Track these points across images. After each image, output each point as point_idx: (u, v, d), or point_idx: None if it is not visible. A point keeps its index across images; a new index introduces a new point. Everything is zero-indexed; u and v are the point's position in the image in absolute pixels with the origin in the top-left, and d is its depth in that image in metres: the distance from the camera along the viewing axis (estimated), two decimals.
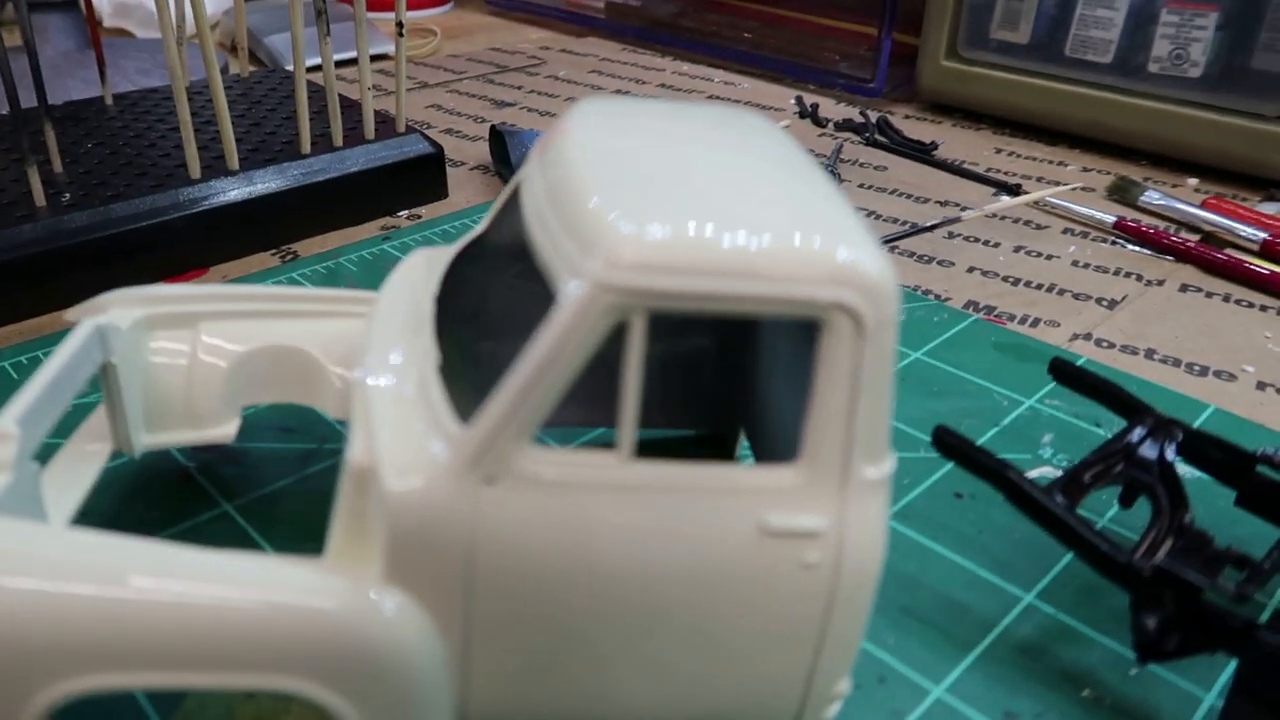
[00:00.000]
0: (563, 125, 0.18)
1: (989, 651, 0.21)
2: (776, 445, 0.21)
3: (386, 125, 0.42)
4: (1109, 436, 0.23)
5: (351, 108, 0.43)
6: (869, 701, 0.20)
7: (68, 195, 0.35)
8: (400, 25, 0.40)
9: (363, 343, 0.19)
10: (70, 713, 0.15)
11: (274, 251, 0.38)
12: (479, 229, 0.21)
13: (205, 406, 0.22)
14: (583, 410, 0.23)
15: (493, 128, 0.46)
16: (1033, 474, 0.26)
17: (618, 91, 0.59)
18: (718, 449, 0.25)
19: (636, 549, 0.15)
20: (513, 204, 0.20)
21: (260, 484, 0.24)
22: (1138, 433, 0.22)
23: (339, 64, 0.56)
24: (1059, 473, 0.26)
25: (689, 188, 0.16)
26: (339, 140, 0.40)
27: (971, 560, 0.23)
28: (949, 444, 0.21)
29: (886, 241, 0.40)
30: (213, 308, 0.23)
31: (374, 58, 0.61)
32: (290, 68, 0.52)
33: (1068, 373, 0.24)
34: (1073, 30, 0.50)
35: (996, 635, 0.21)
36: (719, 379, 0.24)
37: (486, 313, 0.22)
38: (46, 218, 0.33)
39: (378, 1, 0.71)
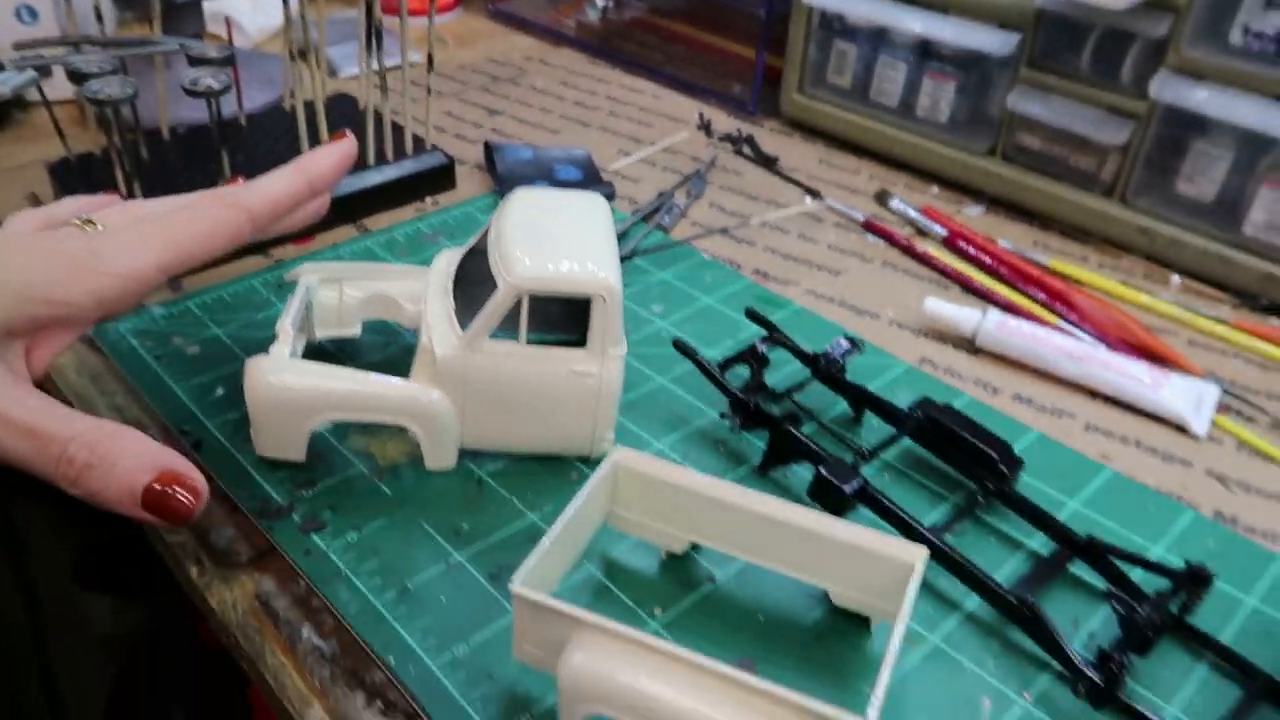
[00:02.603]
0: (507, 202, 0.44)
1: (688, 434, 0.47)
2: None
3: (418, 143, 0.67)
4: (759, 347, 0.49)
5: (398, 130, 0.68)
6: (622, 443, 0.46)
7: None
8: (430, 64, 0.65)
9: (422, 293, 0.45)
10: (320, 438, 0.41)
11: (354, 226, 0.64)
12: (471, 242, 0.46)
13: (346, 320, 0.49)
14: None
15: (486, 143, 0.71)
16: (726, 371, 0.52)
17: (576, 103, 0.83)
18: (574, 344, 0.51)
19: (526, 375, 0.42)
20: (486, 233, 0.46)
21: (372, 354, 0.51)
22: (764, 345, 0.48)
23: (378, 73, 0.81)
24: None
25: (550, 241, 0.41)
26: (390, 156, 0.65)
27: (680, 389, 0.49)
28: (684, 349, 0.48)
29: (722, 231, 0.65)
30: (348, 274, 0.49)
31: (393, 67, 0.85)
32: (346, 74, 0.77)
33: (757, 317, 0.50)
34: (874, 82, 0.74)
35: (691, 429, 0.48)
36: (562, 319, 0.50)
37: (472, 283, 0.48)
38: None
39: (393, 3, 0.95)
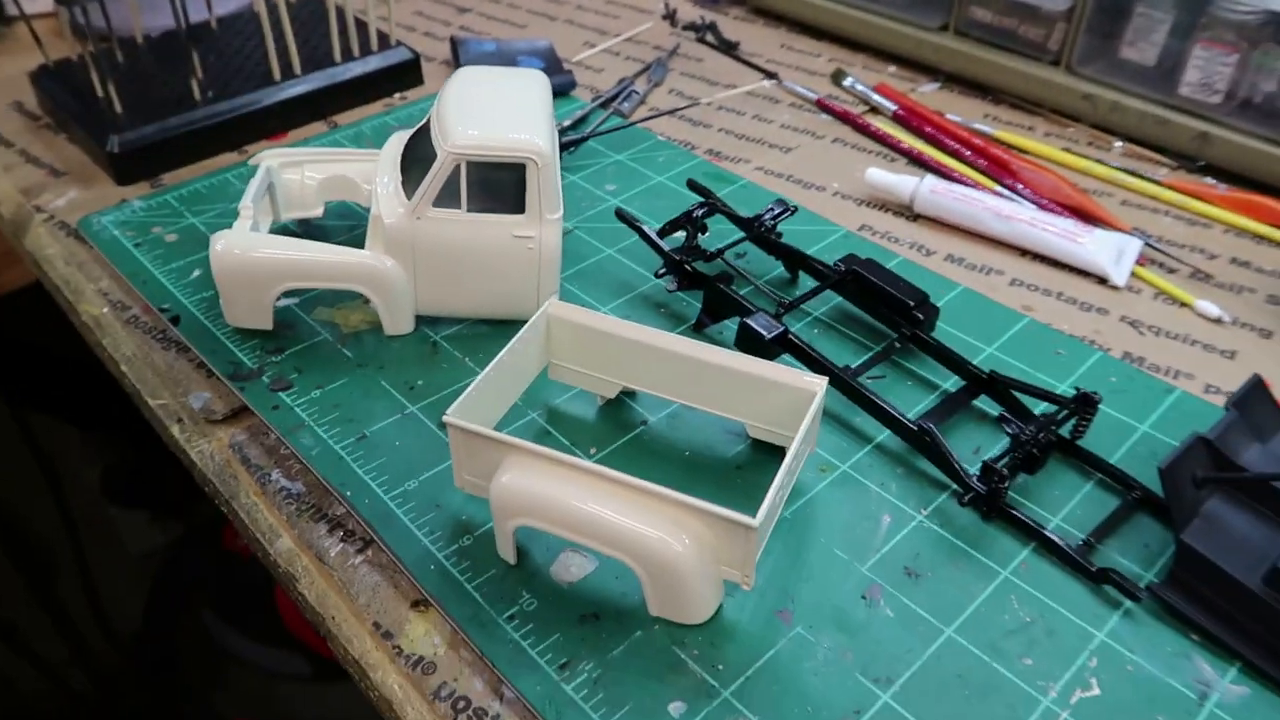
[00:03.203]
0: (450, 80, 0.46)
1: (631, 299, 0.50)
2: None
3: (384, 39, 0.69)
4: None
5: (363, 28, 0.70)
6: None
7: (210, 92, 0.63)
8: None
9: (374, 172, 0.48)
10: (287, 311, 0.45)
11: (324, 122, 0.66)
12: (421, 123, 0.49)
13: (308, 201, 0.52)
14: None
15: (452, 38, 0.73)
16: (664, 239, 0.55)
17: None
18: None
19: (470, 241, 0.45)
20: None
21: (332, 234, 0.54)
22: (700, 210, 0.50)
23: None
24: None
25: (489, 112, 0.44)
26: (356, 52, 0.68)
27: (626, 258, 0.52)
28: (624, 216, 0.50)
29: (674, 112, 0.67)
30: (308, 158, 0.52)
31: None
32: None
33: (697, 186, 0.53)
34: None
35: (635, 294, 0.51)
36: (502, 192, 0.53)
37: (418, 159, 0.51)
38: (205, 105, 0.62)
39: None
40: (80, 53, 0.62)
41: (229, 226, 0.45)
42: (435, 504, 0.39)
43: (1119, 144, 0.64)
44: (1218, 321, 0.50)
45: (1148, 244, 0.54)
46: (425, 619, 0.36)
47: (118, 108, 0.60)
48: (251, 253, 0.44)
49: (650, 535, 0.33)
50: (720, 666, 0.34)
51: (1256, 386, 0.39)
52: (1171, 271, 0.53)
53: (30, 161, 0.62)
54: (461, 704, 0.34)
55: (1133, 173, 0.60)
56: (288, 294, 0.49)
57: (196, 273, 0.51)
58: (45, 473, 1.38)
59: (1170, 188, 0.59)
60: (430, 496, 0.40)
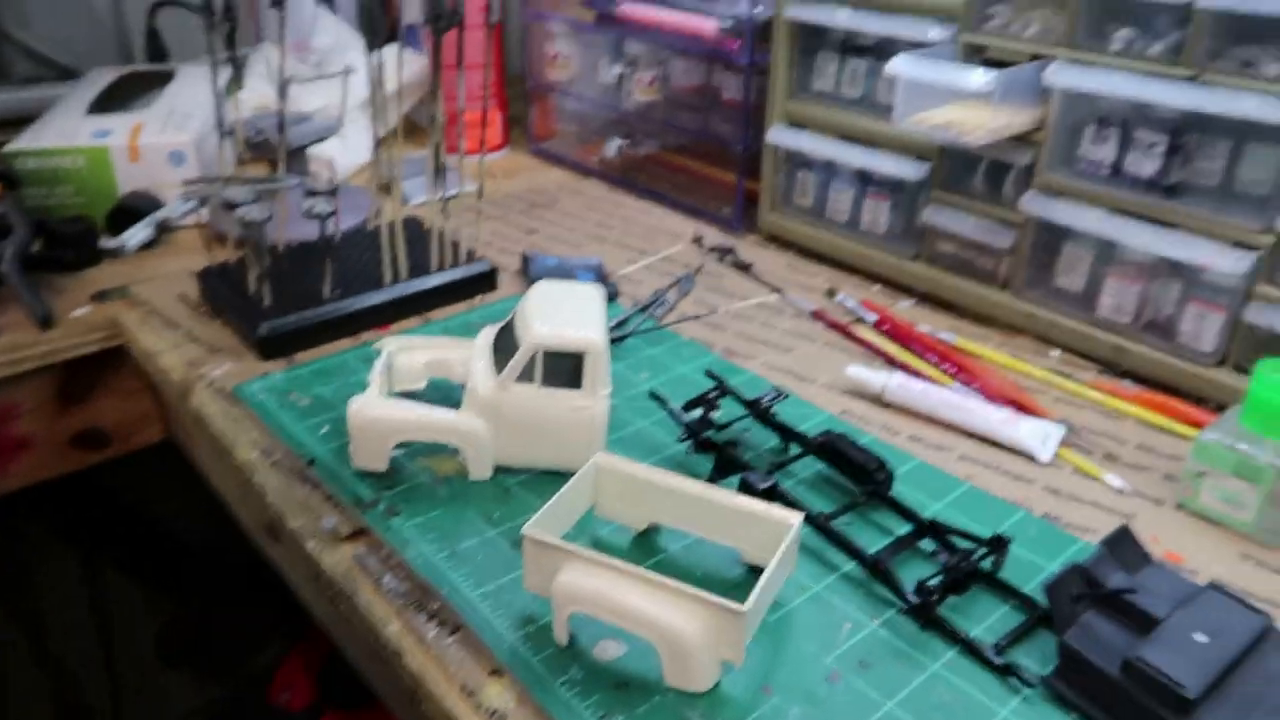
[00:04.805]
0: (531, 290, 0.63)
1: (659, 459, 0.65)
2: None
3: (470, 254, 0.88)
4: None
5: (454, 245, 0.88)
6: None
7: (338, 290, 0.80)
8: (480, 191, 0.85)
9: (468, 356, 0.64)
10: (396, 460, 0.60)
11: (419, 316, 0.83)
12: (505, 320, 0.65)
13: (415, 377, 0.68)
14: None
15: (523, 253, 0.91)
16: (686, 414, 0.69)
17: (597, 223, 1.04)
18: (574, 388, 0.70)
19: (540, 409, 0.60)
20: (514, 314, 0.65)
21: (429, 397, 0.69)
22: (714, 394, 0.65)
23: (441, 200, 1.03)
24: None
25: (560, 314, 0.60)
26: (449, 263, 0.86)
27: (656, 429, 0.67)
28: (656, 396, 0.66)
29: (698, 318, 0.84)
30: (418, 345, 0.68)
31: (451, 196, 1.06)
32: (415, 202, 0.98)
33: (712, 375, 0.68)
34: (829, 203, 0.94)
35: (662, 455, 0.65)
36: (566, 373, 0.69)
37: (504, 347, 0.67)
38: (331, 302, 0.79)
39: (453, 145, 1.17)
40: (238, 257, 0.81)
41: (347, 394, 0.61)
42: (508, 601, 0.53)
43: (1056, 352, 0.79)
44: (1121, 492, 0.63)
45: (1069, 431, 0.68)
46: (500, 682, 0.49)
47: (266, 301, 0.78)
48: (380, 412, 0.60)
49: (671, 619, 0.46)
50: None
51: (1124, 532, 0.52)
52: (1088, 452, 0.67)
53: (193, 340, 0.79)
54: None
55: (1064, 375, 0.75)
56: (396, 446, 0.64)
57: (326, 428, 0.67)
58: (100, 630, 1.49)
59: (1093, 387, 0.73)
60: (505, 596, 0.53)
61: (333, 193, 0.80)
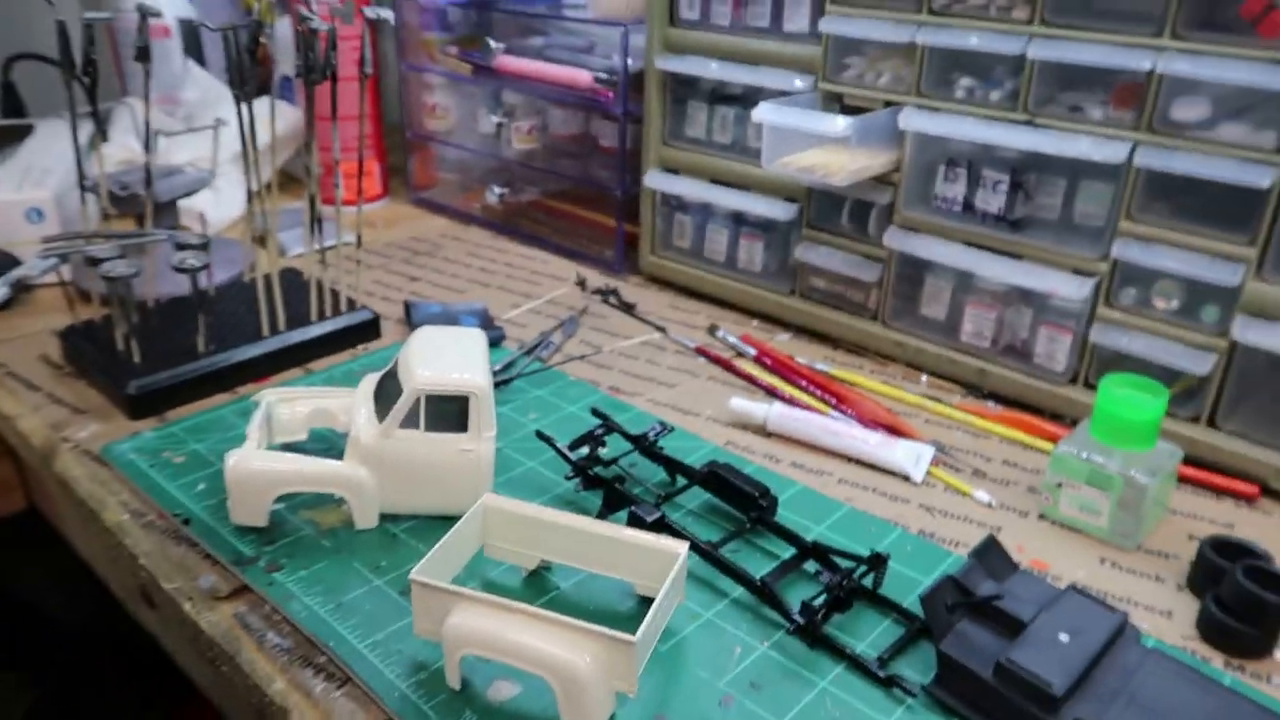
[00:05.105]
0: (413, 336, 0.63)
1: (549, 499, 0.65)
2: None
3: (350, 303, 0.87)
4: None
5: (334, 294, 0.87)
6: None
7: (213, 345, 0.78)
8: (359, 240, 0.85)
9: (350, 405, 0.63)
10: (277, 514, 0.59)
11: (300, 368, 0.82)
12: (387, 368, 0.65)
13: (296, 429, 0.66)
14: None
15: (405, 301, 0.91)
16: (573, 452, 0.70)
17: (480, 269, 1.04)
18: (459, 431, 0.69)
19: (426, 454, 0.59)
20: (397, 360, 0.65)
21: (312, 448, 0.68)
22: (600, 430, 0.66)
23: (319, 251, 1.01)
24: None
25: (442, 359, 0.60)
26: (329, 313, 0.85)
27: (545, 469, 0.67)
28: (542, 436, 0.66)
29: (583, 357, 0.85)
30: (298, 395, 0.67)
31: (329, 247, 1.05)
32: (294, 253, 0.97)
33: (598, 413, 0.69)
34: (706, 244, 0.97)
35: (551, 495, 0.65)
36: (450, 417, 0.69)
37: (387, 394, 0.66)
38: (206, 356, 0.77)
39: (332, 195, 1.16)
40: (103, 315, 0.78)
41: (225, 451, 0.59)
42: (398, 649, 0.52)
43: (925, 378, 0.83)
44: (989, 506, 0.66)
45: (939, 451, 0.71)
46: None
47: (136, 358, 0.75)
48: (260, 464, 0.58)
49: (562, 655, 0.46)
50: None
51: (991, 542, 0.55)
52: (958, 470, 0.70)
53: (56, 402, 0.76)
54: None
55: (933, 398, 0.79)
56: (277, 500, 0.63)
57: (201, 485, 0.65)
58: None
59: (959, 409, 0.77)
60: (394, 645, 0.52)
61: (204, 246, 0.78)
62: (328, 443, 0.70)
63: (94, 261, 0.72)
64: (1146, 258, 0.69)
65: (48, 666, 1.33)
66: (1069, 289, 0.73)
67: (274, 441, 0.66)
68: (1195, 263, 0.67)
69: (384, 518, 0.62)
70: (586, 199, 1.11)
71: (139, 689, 1.27)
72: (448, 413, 0.60)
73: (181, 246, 0.78)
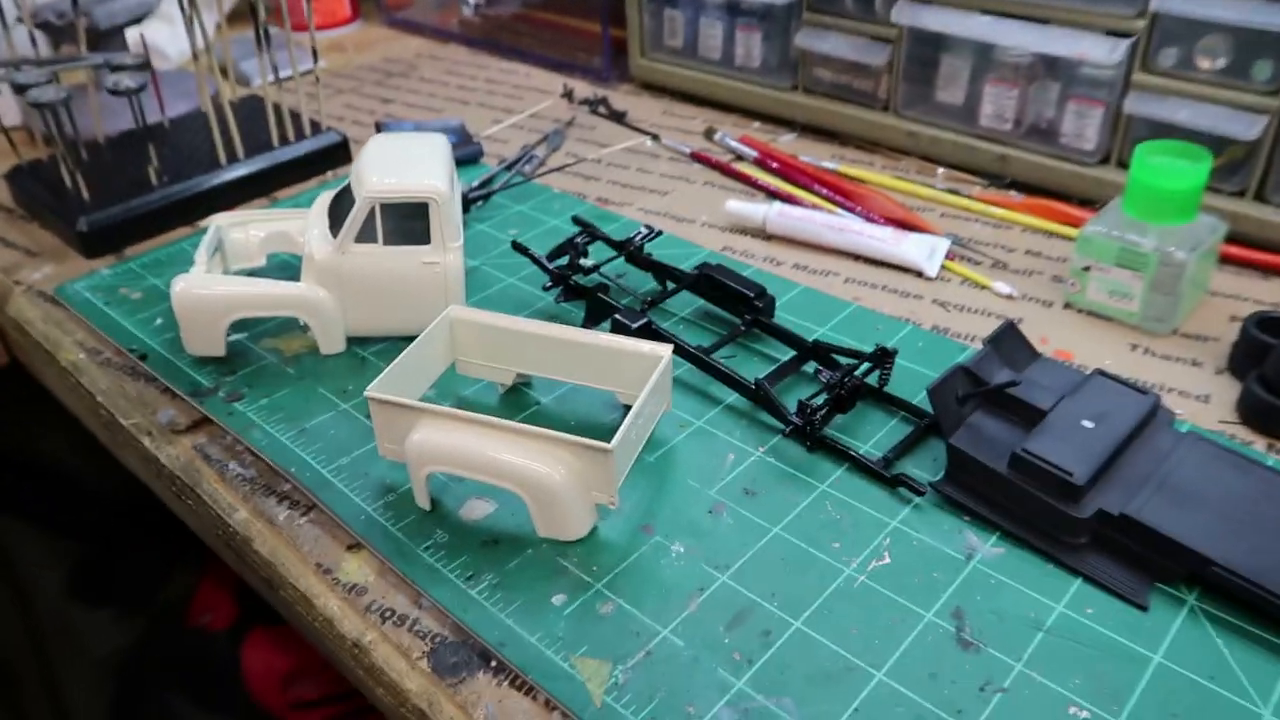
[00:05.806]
0: (367, 144, 0.57)
1: (529, 314, 0.60)
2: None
3: (315, 126, 0.80)
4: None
5: (296, 118, 0.80)
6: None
7: (165, 177, 0.73)
8: (315, 56, 0.78)
9: (306, 225, 0.58)
10: (238, 343, 0.54)
11: (266, 198, 0.76)
12: (344, 183, 0.59)
13: (252, 255, 0.61)
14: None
15: (377, 122, 0.84)
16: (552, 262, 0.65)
17: (459, 87, 0.96)
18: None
19: (387, 269, 0.54)
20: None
21: (272, 275, 0.63)
22: (581, 238, 0.61)
23: (282, 80, 0.94)
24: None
25: (398, 165, 0.54)
26: (292, 138, 0.78)
27: (524, 284, 0.62)
28: (518, 247, 0.61)
29: (565, 167, 0.78)
30: (252, 218, 0.61)
31: (305, 72, 0.98)
32: (258, 84, 0.89)
33: (579, 221, 0.64)
34: (700, 41, 0.88)
35: (531, 310, 0.61)
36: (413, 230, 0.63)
37: (342, 209, 0.61)
38: (161, 188, 0.72)
39: (301, 21, 1.08)
40: (50, 154, 0.72)
41: None
42: (364, 473, 0.48)
43: (942, 170, 0.76)
44: (1009, 297, 0.61)
45: (956, 243, 0.65)
46: (358, 557, 0.45)
47: (85, 195, 0.70)
48: (206, 289, 0.54)
49: (533, 467, 0.43)
50: (595, 568, 0.43)
51: (1009, 327, 0.50)
52: (976, 264, 0.64)
53: (8, 246, 0.71)
54: (388, 613, 0.42)
55: (952, 191, 0.72)
56: (238, 329, 0.58)
57: (159, 320, 0.60)
58: (4, 580, 1.41)
59: (979, 200, 0.71)
60: (360, 468, 0.49)
61: (142, 66, 0.71)
62: (291, 269, 0.65)
63: (20, 89, 0.66)
64: (1191, 7, 0.61)
65: (81, 527, 1.35)
66: (1101, 53, 0.64)
67: (230, 268, 0.61)
68: (1248, 8, 0.59)
69: (353, 342, 0.57)
70: (569, 5, 1.01)
71: (171, 540, 1.29)
72: (407, 223, 0.54)
73: (117, 68, 0.71)
